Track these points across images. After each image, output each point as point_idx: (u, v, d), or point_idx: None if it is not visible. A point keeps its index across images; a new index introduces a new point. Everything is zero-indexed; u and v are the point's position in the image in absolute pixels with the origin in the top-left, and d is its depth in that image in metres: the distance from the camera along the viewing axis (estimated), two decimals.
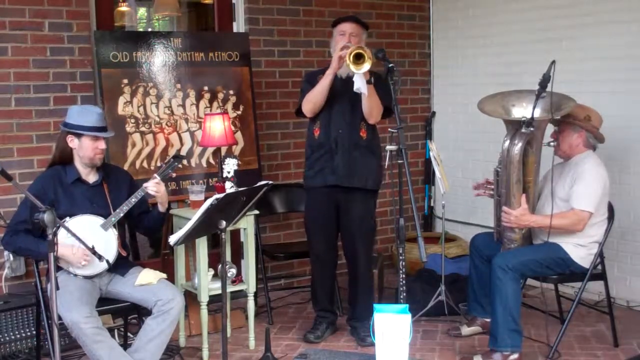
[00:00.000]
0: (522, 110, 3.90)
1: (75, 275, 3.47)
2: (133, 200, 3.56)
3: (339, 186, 4.15)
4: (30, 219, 3.27)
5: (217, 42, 4.78)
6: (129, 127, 4.37)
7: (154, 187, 3.60)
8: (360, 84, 3.95)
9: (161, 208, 3.72)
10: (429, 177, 6.11)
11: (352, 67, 3.81)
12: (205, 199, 3.37)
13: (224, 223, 3.32)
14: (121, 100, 4.36)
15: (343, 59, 3.91)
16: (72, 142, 3.55)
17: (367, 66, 3.80)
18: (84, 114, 3.53)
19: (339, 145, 4.13)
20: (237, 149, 4.69)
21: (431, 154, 4.67)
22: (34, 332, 3.95)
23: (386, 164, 3.47)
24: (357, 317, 4.28)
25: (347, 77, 4.08)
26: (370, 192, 4.24)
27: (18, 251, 3.59)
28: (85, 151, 3.54)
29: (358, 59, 3.81)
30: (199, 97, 4.63)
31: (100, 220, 3.53)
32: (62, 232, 3.17)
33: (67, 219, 3.44)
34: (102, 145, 3.56)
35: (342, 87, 4.11)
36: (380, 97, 4.07)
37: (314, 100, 4.11)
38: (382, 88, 4.06)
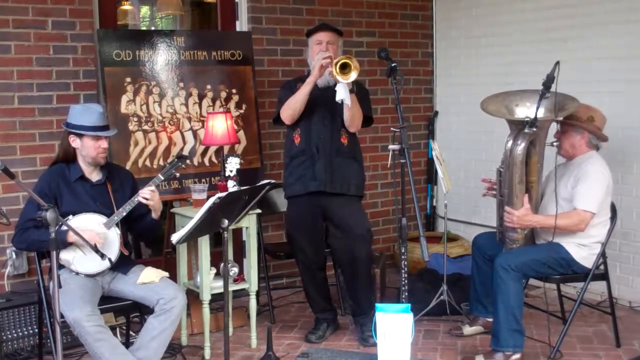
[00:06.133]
0: (525, 110, 3.90)
1: (78, 273, 3.48)
2: (136, 199, 3.57)
3: (322, 192, 4.14)
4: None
5: (220, 41, 4.78)
6: (132, 126, 4.37)
7: (148, 194, 3.56)
8: (343, 95, 3.91)
9: (154, 215, 3.69)
10: (431, 176, 6.11)
11: (339, 77, 3.80)
12: (208, 197, 3.37)
13: (226, 222, 3.32)
14: (124, 98, 4.37)
15: (324, 68, 3.91)
16: (75, 142, 3.56)
17: (354, 75, 3.80)
18: (85, 114, 3.54)
19: (321, 151, 4.12)
20: (239, 148, 4.69)
21: (434, 153, 4.66)
22: (36, 330, 3.96)
23: (389, 163, 3.47)
24: (363, 312, 4.26)
25: (325, 86, 4.08)
26: (353, 197, 4.22)
27: (31, 245, 3.56)
28: (88, 151, 3.55)
29: (344, 68, 3.80)
30: (201, 95, 4.63)
31: (103, 219, 3.54)
32: (73, 220, 3.26)
33: (70, 217, 3.45)
34: (104, 144, 3.57)
35: (320, 96, 4.10)
36: (361, 106, 4.08)
37: (293, 107, 4.10)
38: (363, 97, 4.10)
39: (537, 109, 3.68)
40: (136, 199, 3.56)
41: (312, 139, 4.14)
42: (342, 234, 4.19)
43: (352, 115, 4.06)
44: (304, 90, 4.03)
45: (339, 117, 4.11)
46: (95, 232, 3.43)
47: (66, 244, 3.40)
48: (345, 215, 4.17)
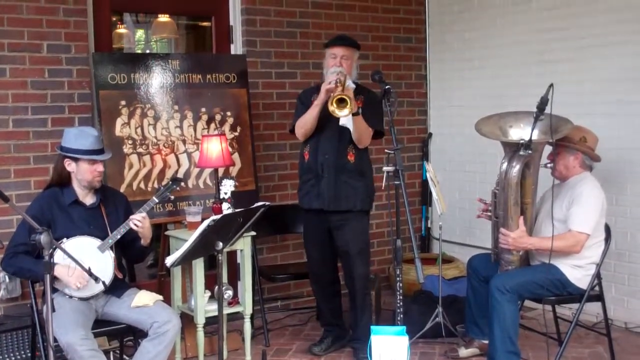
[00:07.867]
0: (519, 132, 3.91)
1: (71, 297, 3.46)
2: (131, 223, 3.56)
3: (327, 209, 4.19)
4: (29, 240, 3.25)
5: (214, 64, 4.80)
6: (127, 149, 4.37)
7: (139, 221, 3.57)
8: (345, 121, 4.00)
9: (143, 242, 3.69)
10: (426, 198, 6.11)
11: (333, 109, 3.82)
12: (203, 220, 3.37)
13: (220, 244, 3.32)
14: (119, 121, 4.37)
15: (330, 92, 3.93)
16: (70, 165, 3.56)
17: (346, 112, 3.82)
18: (80, 138, 3.54)
19: (325, 170, 4.17)
20: (234, 170, 4.69)
21: (428, 175, 4.67)
22: (30, 355, 3.92)
23: (383, 185, 3.47)
24: (357, 337, 4.29)
25: None
26: (361, 212, 4.25)
27: (18, 272, 3.57)
28: (84, 175, 3.55)
29: (341, 102, 3.82)
30: (196, 118, 4.64)
31: (97, 242, 3.52)
32: (59, 253, 3.16)
33: (64, 240, 3.43)
34: (100, 167, 3.57)
35: (330, 113, 4.10)
36: (370, 121, 4.10)
37: (304, 127, 4.18)
38: (374, 111, 4.09)
39: (532, 131, 3.70)
40: (129, 224, 3.55)
41: (318, 157, 4.19)
42: (342, 252, 4.26)
43: (359, 135, 4.10)
44: (313, 112, 4.09)
45: (348, 134, 4.13)
46: (79, 274, 3.34)
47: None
48: (345, 233, 4.21)
